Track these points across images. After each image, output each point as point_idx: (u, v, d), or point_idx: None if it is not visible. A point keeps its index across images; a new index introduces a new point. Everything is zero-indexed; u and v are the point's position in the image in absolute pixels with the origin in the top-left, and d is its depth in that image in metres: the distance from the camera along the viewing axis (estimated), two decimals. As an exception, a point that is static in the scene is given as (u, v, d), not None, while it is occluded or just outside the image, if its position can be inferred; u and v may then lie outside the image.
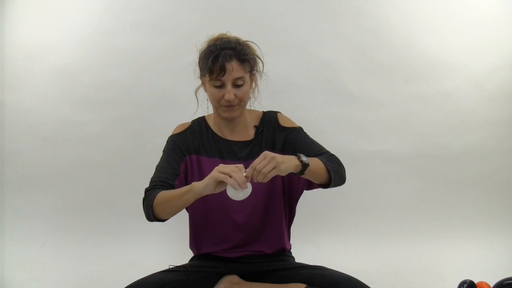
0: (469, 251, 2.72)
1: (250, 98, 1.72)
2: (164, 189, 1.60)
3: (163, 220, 1.61)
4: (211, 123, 1.76)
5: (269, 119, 1.75)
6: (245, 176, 1.40)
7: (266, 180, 1.42)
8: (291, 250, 1.81)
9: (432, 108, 2.84)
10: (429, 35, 2.81)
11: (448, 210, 2.84)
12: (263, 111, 1.79)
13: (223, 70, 1.58)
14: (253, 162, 1.42)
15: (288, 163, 1.45)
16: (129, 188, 2.80)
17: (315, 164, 1.54)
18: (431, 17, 2.81)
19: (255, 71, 1.71)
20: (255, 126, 1.74)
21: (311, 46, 2.82)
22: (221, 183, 1.43)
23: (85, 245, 2.77)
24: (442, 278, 2.49)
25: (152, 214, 1.58)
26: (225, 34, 1.69)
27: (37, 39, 2.81)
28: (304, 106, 2.80)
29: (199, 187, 1.45)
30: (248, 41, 1.71)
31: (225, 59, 1.58)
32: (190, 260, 1.79)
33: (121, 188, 2.81)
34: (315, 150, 1.67)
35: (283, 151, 1.69)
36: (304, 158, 1.49)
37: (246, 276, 1.66)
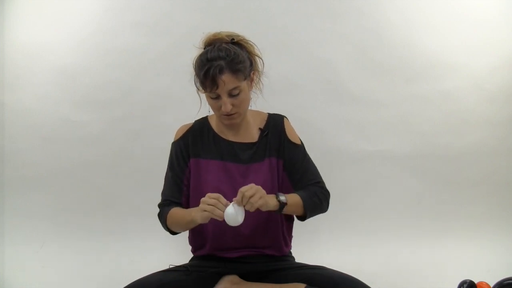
0: (469, 251, 2.72)
1: (251, 99, 1.70)
2: (172, 206, 1.68)
3: (179, 232, 1.73)
4: (213, 123, 1.76)
5: (275, 124, 1.74)
6: (235, 201, 1.48)
7: (252, 210, 1.48)
8: (291, 251, 1.81)
9: (432, 108, 2.84)
10: (429, 35, 2.81)
11: (448, 210, 2.84)
12: (268, 113, 1.78)
13: (215, 85, 1.55)
14: (243, 189, 1.47)
15: (269, 201, 1.52)
16: (129, 188, 2.81)
17: (293, 203, 1.60)
18: (431, 17, 2.81)
19: (254, 71, 1.68)
20: (260, 129, 1.74)
21: (311, 46, 2.82)
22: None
23: (85, 245, 2.76)
24: (442, 278, 2.49)
25: (169, 230, 1.70)
26: (219, 34, 1.65)
27: (37, 39, 2.81)
28: (304, 106, 2.80)
29: (198, 219, 1.52)
30: (243, 40, 1.67)
31: (216, 73, 1.53)
32: (190, 260, 1.79)
33: (121, 188, 2.81)
34: (309, 178, 1.69)
35: (284, 163, 1.70)
36: (281, 198, 1.56)
37: (246, 276, 1.66)
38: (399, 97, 2.84)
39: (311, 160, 1.75)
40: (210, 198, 1.48)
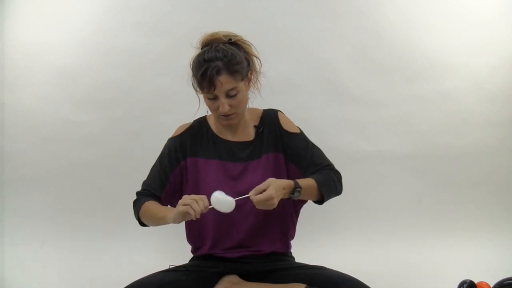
0: (469, 251, 2.72)
1: (249, 99, 1.70)
2: (151, 198, 1.68)
3: (149, 226, 1.71)
4: (212, 123, 1.76)
5: (269, 119, 1.74)
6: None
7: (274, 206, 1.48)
8: (291, 250, 1.81)
9: (432, 108, 2.84)
10: (429, 35, 2.81)
11: (448, 210, 2.84)
12: (263, 109, 1.78)
13: (212, 86, 1.55)
14: (256, 188, 1.46)
15: (282, 195, 1.50)
16: (129, 188, 2.76)
17: (308, 187, 1.57)
18: (431, 17, 2.81)
19: (252, 71, 1.67)
20: (255, 126, 1.74)
21: (311, 46, 2.82)
22: (187, 213, 1.46)
23: (85, 245, 2.77)
24: (442, 278, 2.49)
25: (139, 221, 1.70)
26: (216, 34, 1.63)
27: (37, 39, 2.81)
28: (304, 106, 2.80)
29: (170, 218, 1.51)
30: (240, 40, 1.66)
31: (213, 74, 1.53)
32: (190, 260, 1.79)
33: (121, 188, 2.80)
34: (317, 163, 1.68)
35: (285, 155, 1.70)
36: (296, 194, 1.53)
37: (246, 276, 1.66)
38: (399, 97, 2.84)
39: (315, 145, 1.74)
40: (193, 196, 1.47)
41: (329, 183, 1.63)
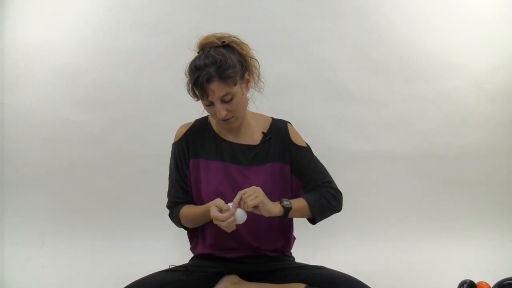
0: (469, 251, 2.72)
1: (249, 100, 1.68)
2: (181, 205, 1.71)
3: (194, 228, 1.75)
4: (213, 123, 1.75)
5: (278, 129, 1.73)
6: (232, 204, 1.51)
7: (249, 209, 1.50)
8: (291, 251, 1.81)
9: (432, 108, 2.84)
10: (429, 35, 2.81)
11: (448, 210, 2.84)
12: (272, 118, 1.77)
13: (205, 93, 1.55)
14: (242, 191, 1.51)
15: (270, 205, 1.53)
16: (129, 188, 2.81)
17: (299, 207, 1.61)
18: (431, 17, 2.82)
19: (248, 72, 1.64)
20: (263, 133, 1.73)
21: (311, 46, 2.82)
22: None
23: (85, 245, 2.76)
24: (442, 278, 2.49)
25: (184, 227, 1.74)
26: (210, 37, 1.61)
27: (37, 39, 2.81)
28: (304, 106, 2.80)
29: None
30: (234, 41, 1.63)
31: (204, 82, 1.52)
32: (190, 260, 1.79)
33: (121, 188, 2.81)
34: (318, 179, 1.69)
35: (291, 167, 1.70)
36: (286, 202, 1.57)
37: (246, 276, 1.66)
38: (399, 97, 2.84)
39: (319, 161, 1.74)
40: (219, 213, 1.50)
41: (319, 201, 1.64)
